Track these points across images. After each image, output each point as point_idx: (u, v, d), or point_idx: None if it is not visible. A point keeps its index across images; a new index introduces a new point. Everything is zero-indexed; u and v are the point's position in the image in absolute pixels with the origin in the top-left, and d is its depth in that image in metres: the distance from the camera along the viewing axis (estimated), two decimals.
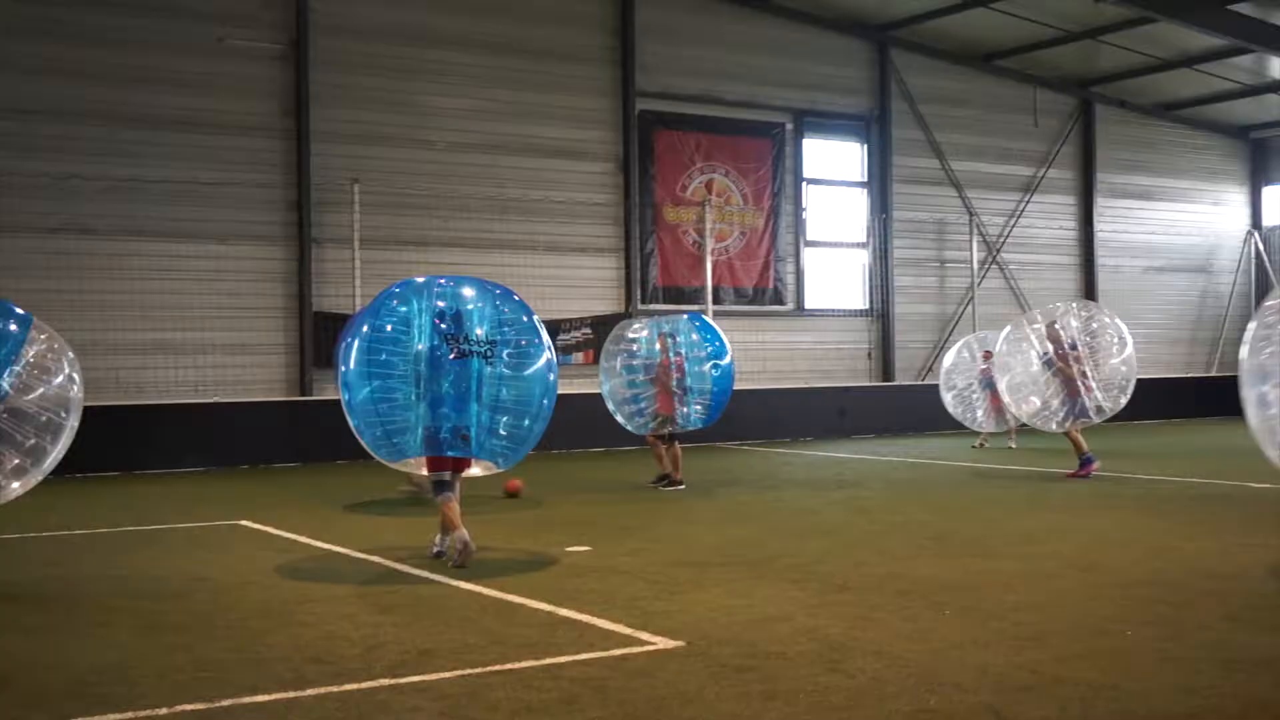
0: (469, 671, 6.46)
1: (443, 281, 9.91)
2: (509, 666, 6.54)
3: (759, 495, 14.62)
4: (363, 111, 20.73)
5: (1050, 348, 15.82)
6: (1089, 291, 28.29)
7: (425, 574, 9.35)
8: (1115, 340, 16.20)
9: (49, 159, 18.49)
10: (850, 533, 11.43)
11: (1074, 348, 15.77)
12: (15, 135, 18.37)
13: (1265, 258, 30.63)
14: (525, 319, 9.90)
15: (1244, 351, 9.40)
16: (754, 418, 22.47)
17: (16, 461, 9.12)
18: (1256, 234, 30.86)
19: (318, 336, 20.09)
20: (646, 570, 9.43)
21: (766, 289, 24.65)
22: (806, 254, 25.39)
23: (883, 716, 5.62)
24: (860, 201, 26.18)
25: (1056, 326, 15.87)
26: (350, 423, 9.74)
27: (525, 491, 14.25)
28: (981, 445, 20.92)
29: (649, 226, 23.39)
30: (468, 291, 9.81)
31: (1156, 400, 28.09)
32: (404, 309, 9.65)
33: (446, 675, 6.39)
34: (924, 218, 26.44)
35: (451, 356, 9.44)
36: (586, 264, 22.64)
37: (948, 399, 21.00)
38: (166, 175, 19.21)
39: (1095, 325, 16.21)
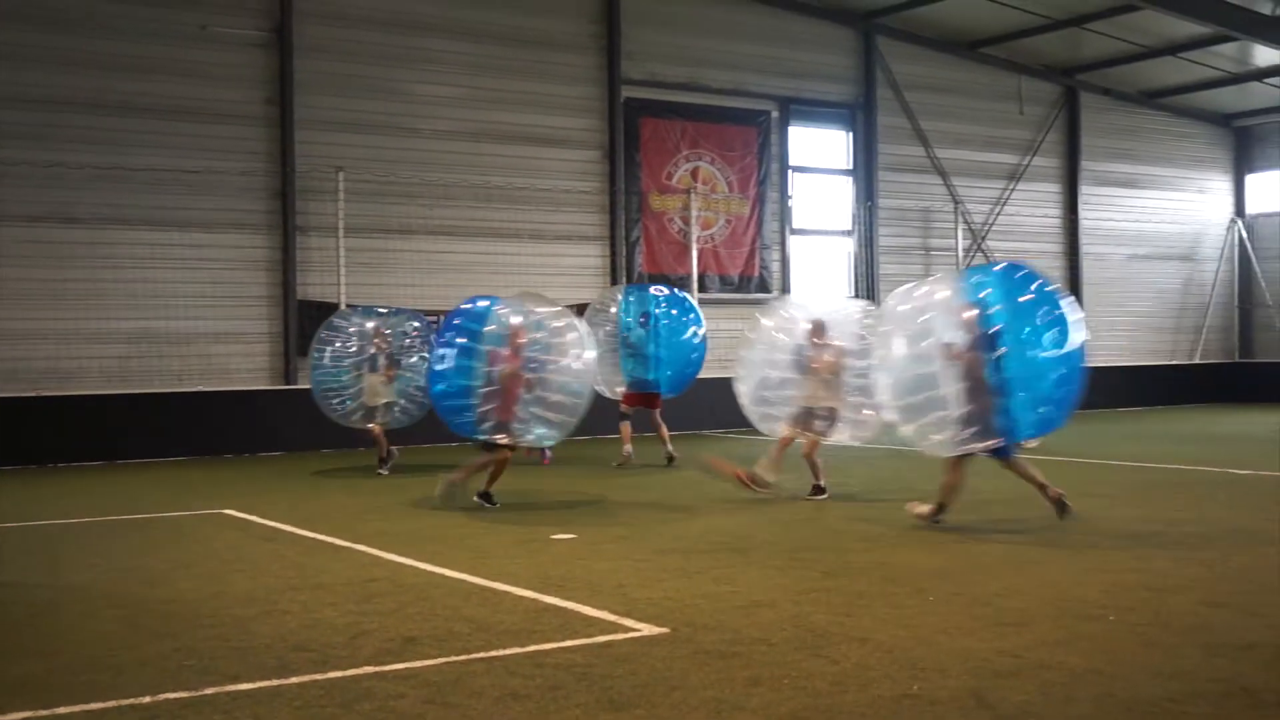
0: (453, 659, 6.46)
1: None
2: (493, 654, 6.54)
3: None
4: (346, 99, 20.64)
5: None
6: (1073, 280, 28.30)
7: (409, 562, 9.34)
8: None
9: (31, 147, 18.31)
10: (835, 520, 11.45)
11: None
12: None
13: (1249, 246, 30.70)
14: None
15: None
16: (739, 406, 22.42)
17: None
18: (1240, 222, 30.92)
19: (302, 325, 20.04)
20: (631, 557, 9.44)
21: (752, 277, 24.64)
22: (792, 242, 25.39)
23: (866, 702, 5.63)
24: (846, 189, 26.18)
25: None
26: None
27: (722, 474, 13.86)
28: None
29: (634, 214, 23.36)
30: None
31: (1140, 388, 28.20)
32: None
33: (431, 662, 6.40)
34: (909, 205, 26.44)
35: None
36: (571, 252, 22.60)
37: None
38: (150, 163, 19.06)
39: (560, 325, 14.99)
